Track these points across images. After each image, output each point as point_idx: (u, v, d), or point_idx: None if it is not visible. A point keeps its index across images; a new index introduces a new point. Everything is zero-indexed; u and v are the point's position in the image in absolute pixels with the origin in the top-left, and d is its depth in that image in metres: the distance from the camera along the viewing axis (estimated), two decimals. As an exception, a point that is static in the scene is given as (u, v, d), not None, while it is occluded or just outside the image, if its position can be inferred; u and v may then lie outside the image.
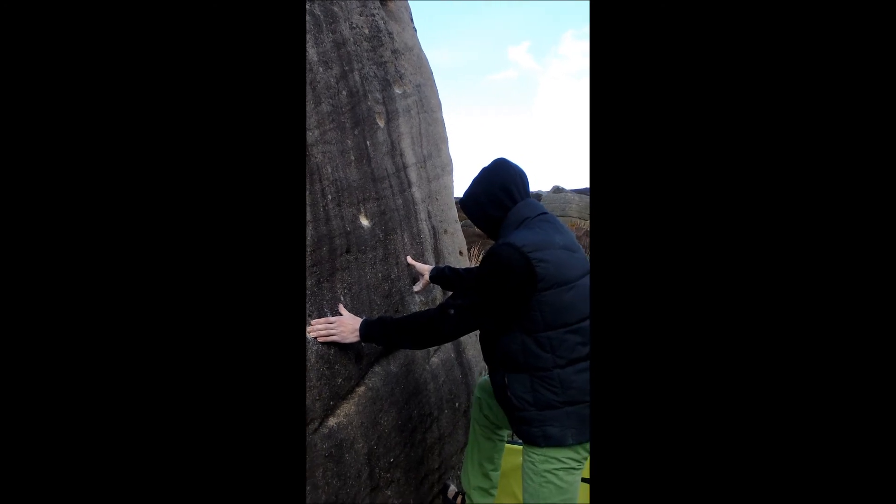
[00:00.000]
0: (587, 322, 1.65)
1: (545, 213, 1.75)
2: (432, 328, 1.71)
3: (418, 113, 2.71)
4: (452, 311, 1.67)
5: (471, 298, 1.67)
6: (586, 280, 1.68)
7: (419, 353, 2.24)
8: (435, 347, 2.38)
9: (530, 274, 1.56)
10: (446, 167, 2.99)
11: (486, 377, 2.06)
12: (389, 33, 2.65)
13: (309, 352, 1.70)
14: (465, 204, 1.85)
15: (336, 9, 2.31)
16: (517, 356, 1.66)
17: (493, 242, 1.79)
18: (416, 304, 2.32)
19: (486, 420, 2.05)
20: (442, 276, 2.23)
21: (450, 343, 2.51)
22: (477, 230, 2.48)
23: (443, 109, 3.04)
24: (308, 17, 2.09)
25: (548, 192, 16.06)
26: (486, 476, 2.08)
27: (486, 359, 1.82)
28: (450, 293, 2.44)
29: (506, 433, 2.13)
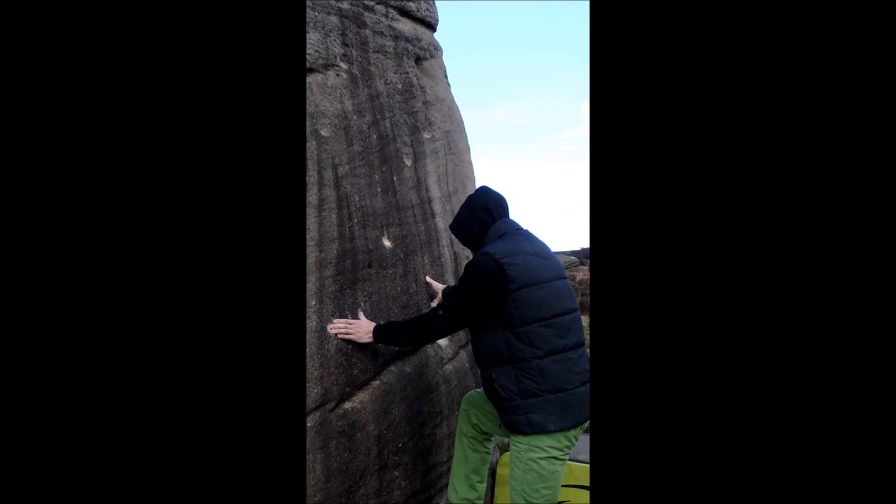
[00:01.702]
0: (560, 318, 1.92)
1: (520, 228, 2.08)
2: (425, 325, 2.05)
3: (446, 154, 3.10)
4: (441, 312, 1.99)
5: (456, 299, 1.99)
6: (558, 282, 1.96)
7: (433, 358, 2.55)
8: (450, 356, 2.68)
9: (502, 275, 1.87)
10: (474, 203, 3.35)
11: (472, 392, 2.34)
12: (422, 87, 3.08)
13: (329, 344, 2.06)
14: (454, 226, 2.24)
15: (373, 68, 2.77)
16: (501, 350, 1.94)
17: None
18: None
19: (474, 431, 2.27)
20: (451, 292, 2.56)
21: (465, 354, 2.79)
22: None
23: (476, 156, 3.43)
24: (346, 76, 2.56)
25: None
26: (473, 487, 2.28)
27: (476, 359, 2.11)
28: None
29: (492, 445, 2.34)
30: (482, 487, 2.33)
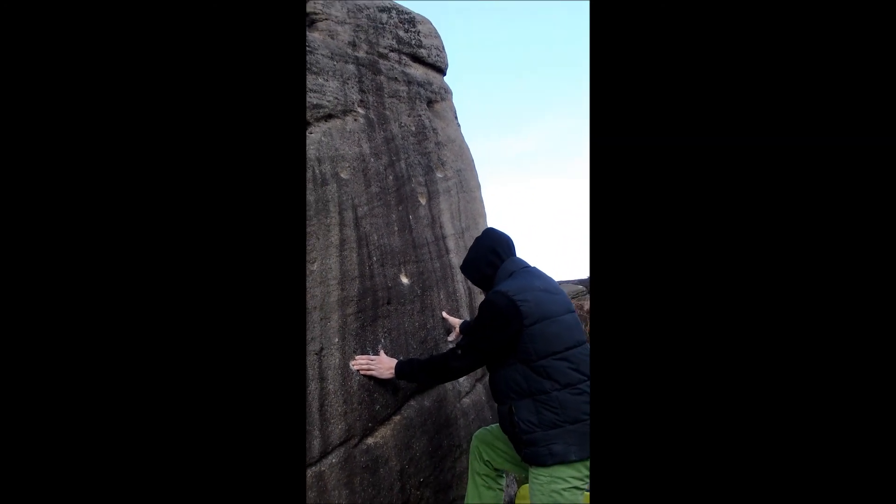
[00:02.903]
0: (572, 350, 1.99)
1: (527, 266, 2.18)
2: (444, 365, 2.12)
3: (458, 192, 3.21)
4: (459, 351, 2.08)
5: (473, 338, 2.07)
6: (567, 316, 2.05)
7: (450, 393, 2.61)
8: (467, 389, 2.74)
9: (516, 312, 1.95)
10: (485, 239, 3.46)
11: (482, 429, 2.39)
12: (434, 129, 3.22)
13: (352, 381, 2.13)
14: (465, 268, 2.33)
15: (388, 113, 2.91)
16: (521, 384, 2.01)
17: None
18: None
19: (487, 468, 2.31)
20: (469, 327, 2.63)
21: (481, 387, 2.85)
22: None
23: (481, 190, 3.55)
24: (363, 121, 2.69)
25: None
26: None
27: (494, 394, 2.17)
28: None
29: (504, 481, 2.38)
30: None
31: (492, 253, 2.21)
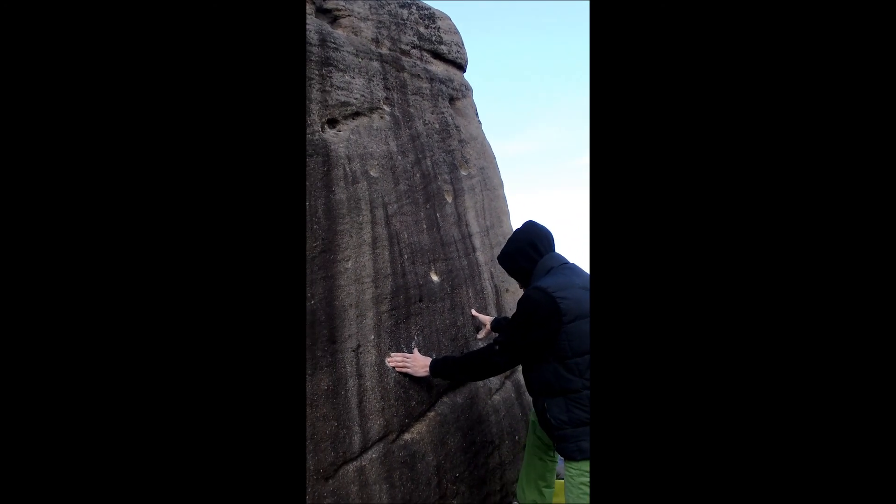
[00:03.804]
0: None
1: (566, 262, 2.20)
2: (485, 362, 2.15)
3: (482, 190, 3.24)
4: (498, 347, 2.11)
5: (512, 334, 2.10)
6: None
7: (481, 389, 2.64)
8: (497, 386, 2.78)
9: (556, 309, 1.97)
10: (507, 236, 3.48)
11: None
12: (457, 126, 3.25)
13: (388, 377, 2.17)
14: (502, 260, 2.35)
15: (412, 110, 2.94)
16: (552, 382, 2.04)
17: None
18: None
19: (539, 441, 2.39)
20: (500, 325, 2.67)
21: (510, 384, 2.89)
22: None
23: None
24: (389, 118, 2.72)
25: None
26: (540, 492, 2.40)
27: (529, 390, 2.21)
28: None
29: (555, 454, 2.45)
30: (549, 493, 2.44)
31: (531, 247, 2.23)
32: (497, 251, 3.27)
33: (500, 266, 2.55)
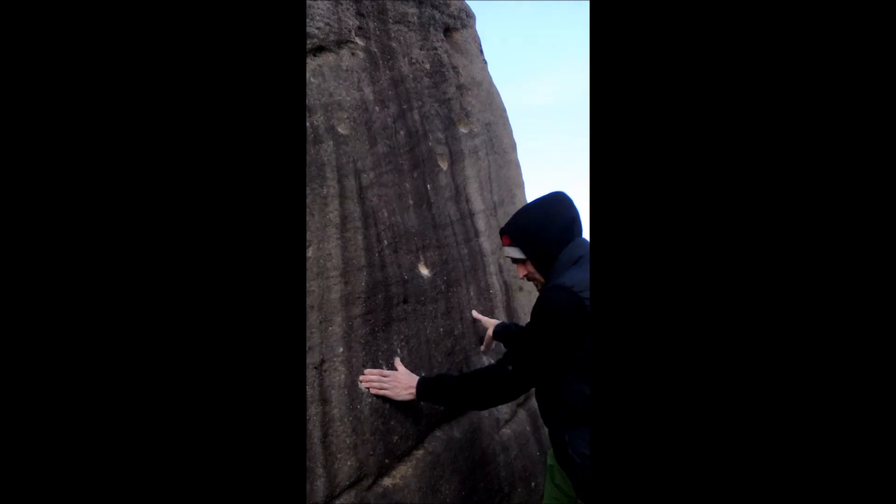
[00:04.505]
0: None
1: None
2: (493, 385, 2.13)
3: (487, 154, 3.24)
4: (511, 367, 2.10)
5: (529, 349, 2.09)
6: None
7: (487, 421, 2.65)
8: (507, 416, 2.79)
9: (582, 313, 1.97)
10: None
11: None
12: (454, 67, 3.24)
13: (362, 403, 2.17)
14: (523, 231, 2.22)
15: (394, 44, 2.93)
16: (576, 406, 2.04)
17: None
18: (484, 365, 2.76)
19: (559, 492, 2.39)
20: (506, 332, 2.66)
21: (524, 413, 2.90)
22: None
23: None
24: (363, 55, 2.71)
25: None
26: None
27: (543, 416, 2.21)
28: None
29: None
30: None
31: (567, 230, 2.17)
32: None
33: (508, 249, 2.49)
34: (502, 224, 3.22)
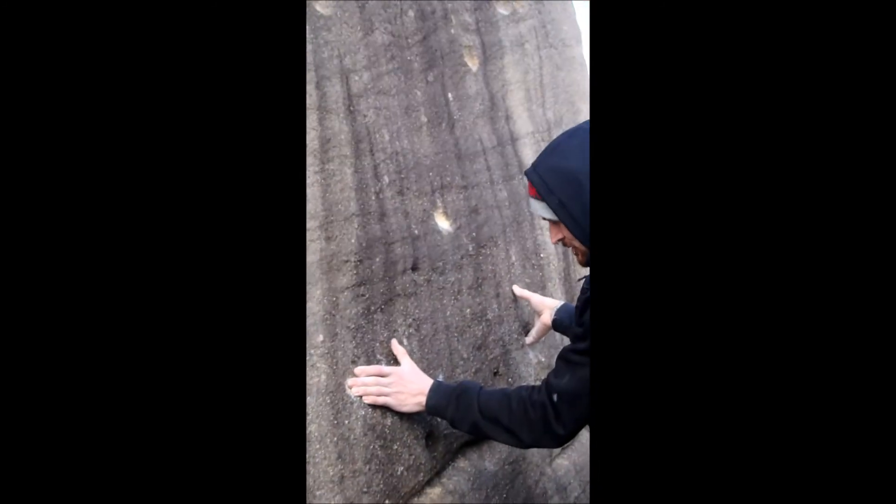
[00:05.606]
0: None
1: None
2: (533, 420, 2.17)
3: (538, 49, 3.27)
4: (556, 397, 2.11)
5: (579, 366, 2.10)
6: None
7: (532, 449, 2.75)
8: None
9: None
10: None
11: None
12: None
13: (351, 418, 2.23)
14: (555, 183, 2.14)
15: None
16: None
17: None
18: (531, 365, 2.84)
19: None
20: (569, 323, 2.71)
21: (587, 437, 3.02)
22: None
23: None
24: None
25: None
26: None
27: None
28: None
29: None
30: None
31: None
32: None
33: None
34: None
